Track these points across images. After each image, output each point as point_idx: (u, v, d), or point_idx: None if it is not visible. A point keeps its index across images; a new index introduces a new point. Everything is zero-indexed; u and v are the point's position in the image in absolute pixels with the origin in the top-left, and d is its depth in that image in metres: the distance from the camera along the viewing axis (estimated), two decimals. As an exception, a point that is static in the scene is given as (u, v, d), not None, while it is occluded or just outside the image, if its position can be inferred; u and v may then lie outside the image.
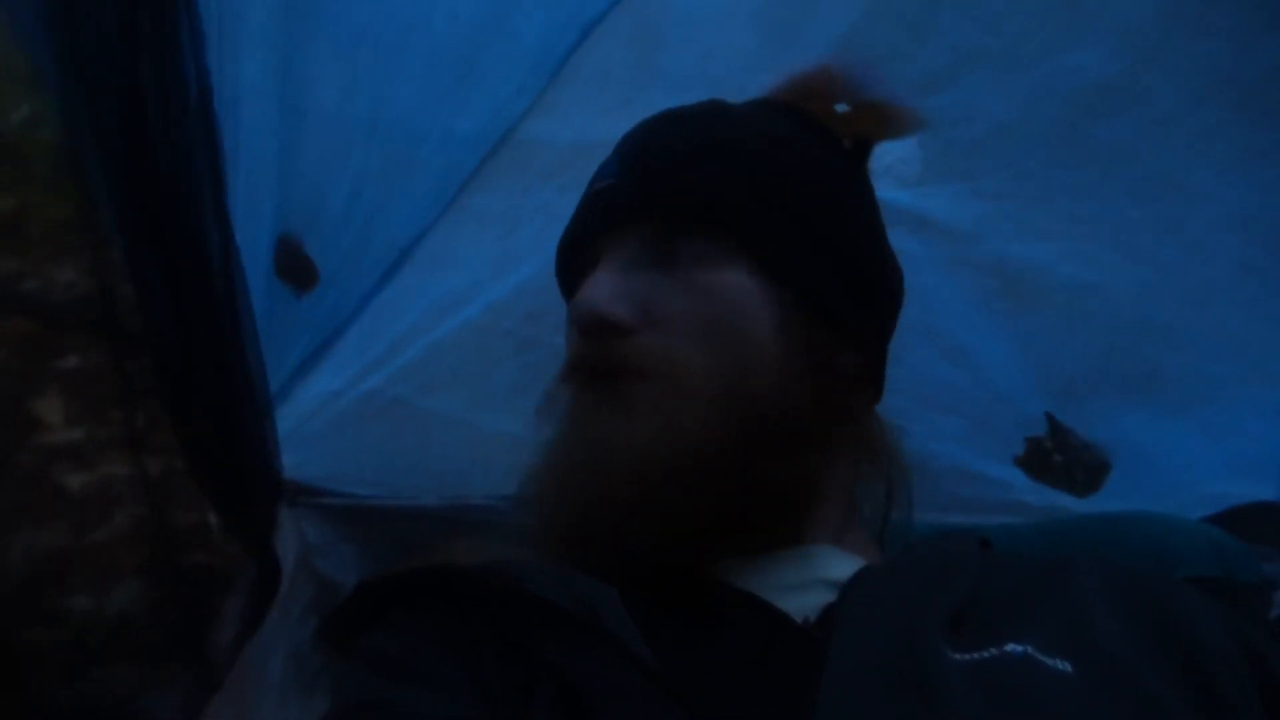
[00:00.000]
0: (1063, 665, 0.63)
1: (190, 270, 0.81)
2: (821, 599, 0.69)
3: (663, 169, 0.79)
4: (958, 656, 0.63)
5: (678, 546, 0.70)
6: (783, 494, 0.73)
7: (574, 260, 0.82)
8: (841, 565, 0.73)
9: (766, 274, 0.76)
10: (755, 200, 0.77)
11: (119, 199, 0.77)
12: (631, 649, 0.62)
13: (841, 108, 0.86)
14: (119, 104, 0.74)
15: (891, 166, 0.88)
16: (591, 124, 0.95)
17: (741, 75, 0.86)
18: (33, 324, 1.16)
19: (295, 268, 0.96)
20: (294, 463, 1.01)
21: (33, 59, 0.76)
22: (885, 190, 0.86)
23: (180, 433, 0.88)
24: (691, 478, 0.69)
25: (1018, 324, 1.04)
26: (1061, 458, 1.07)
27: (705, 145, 0.79)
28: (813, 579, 0.71)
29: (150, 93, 0.74)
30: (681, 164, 0.79)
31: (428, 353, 1.04)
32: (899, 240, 0.84)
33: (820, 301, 0.77)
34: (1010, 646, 0.64)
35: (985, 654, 0.63)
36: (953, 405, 1.06)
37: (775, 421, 0.72)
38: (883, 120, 0.88)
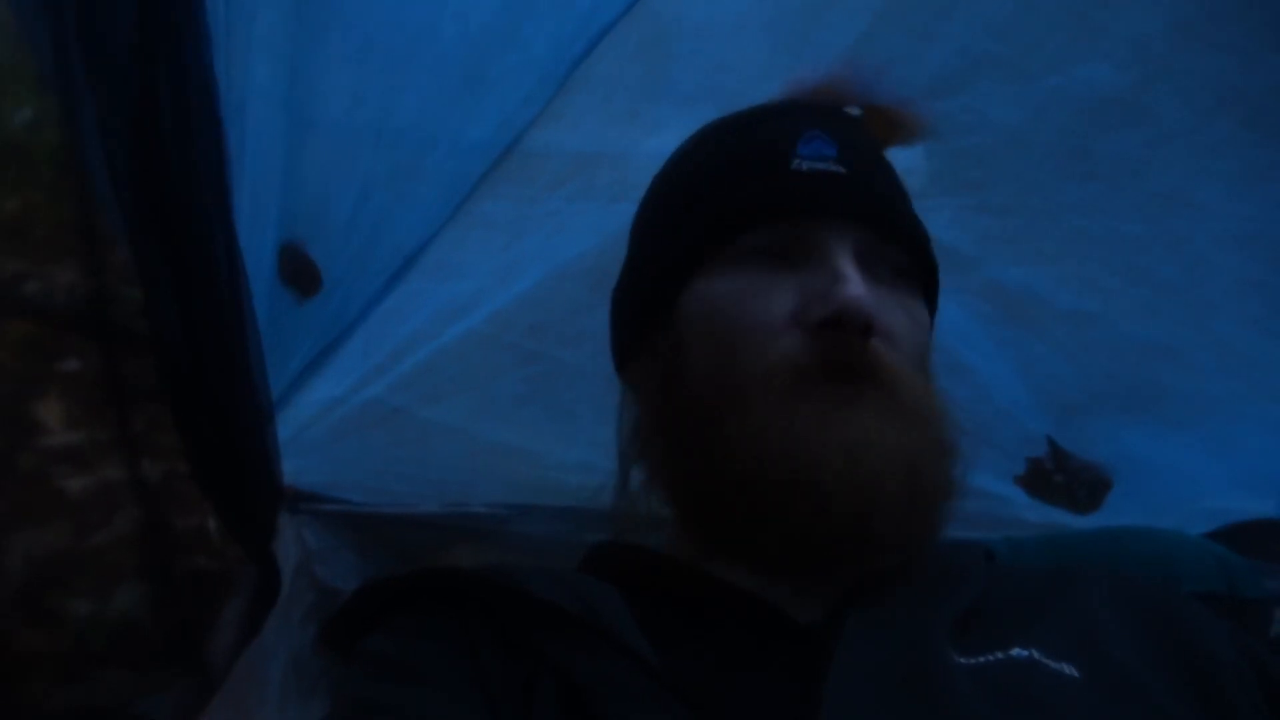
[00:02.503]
0: (1069, 670, 0.63)
1: (195, 274, 0.81)
2: (828, 603, 0.69)
3: (881, 176, 0.80)
4: (963, 660, 0.63)
5: (916, 548, 0.71)
6: None
7: (756, 233, 0.76)
8: (848, 571, 0.73)
9: (930, 311, 0.79)
10: (923, 236, 0.80)
11: (125, 202, 0.77)
12: (634, 648, 0.62)
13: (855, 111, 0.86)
14: (127, 107, 0.73)
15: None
16: (599, 134, 0.94)
17: (752, 86, 0.86)
18: (34, 326, 1.15)
19: (298, 273, 0.96)
20: (294, 469, 1.01)
21: (38, 60, 0.76)
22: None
23: (184, 437, 0.88)
24: (942, 490, 0.71)
25: (1018, 345, 1.05)
26: (1062, 478, 1.07)
27: (887, 165, 0.82)
28: (820, 584, 0.71)
29: (159, 96, 0.74)
30: (889, 177, 0.81)
31: (430, 361, 1.03)
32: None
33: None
34: (1016, 651, 0.64)
35: (991, 658, 0.64)
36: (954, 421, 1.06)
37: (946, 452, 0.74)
38: (891, 126, 0.89)
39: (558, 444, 1.06)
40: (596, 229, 0.97)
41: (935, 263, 0.81)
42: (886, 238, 0.76)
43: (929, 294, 0.81)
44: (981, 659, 0.63)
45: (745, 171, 0.78)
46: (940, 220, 0.99)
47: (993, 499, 1.07)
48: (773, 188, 0.76)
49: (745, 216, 0.76)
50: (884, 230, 0.76)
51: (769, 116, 0.82)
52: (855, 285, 0.70)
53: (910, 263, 0.77)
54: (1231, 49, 0.91)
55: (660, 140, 0.86)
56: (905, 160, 0.94)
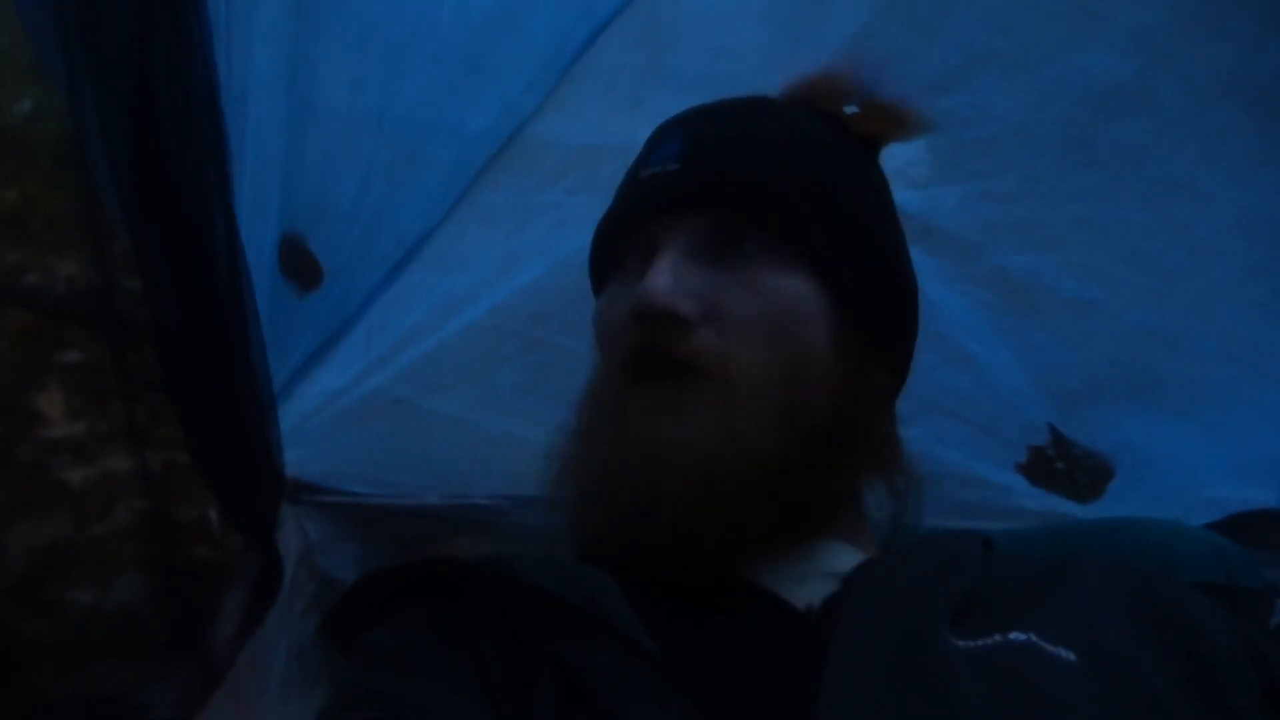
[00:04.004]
0: (1067, 654, 0.63)
1: (196, 265, 0.81)
2: (825, 590, 0.69)
3: (727, 161, 0.77)
4: (961, 644, 0.63)
5: (724, 550, 0.70)
6: (821, 504, 0.73)
7: (618, 245, 0.80)
8: (846, 558, 0.73)
9: (824, 282, 0.75)
10: (815, 206, 0.76)
11: (126, 194, 0.76)
12: (633, 637, 0.62)
13: (851, 109, 0.86)
14: (127, 98, 0.73)
15: (901, 169, 0.87)
16: (601, 124, 0.94)
17: (753, 75, 0.86)
18: (33, 317, 1.15)
19: (299, 265, 0.96)
20: (295, 460, 1.01)
21: (39, 52, 0.76)
22: (895, 193, 0.86)
23: (185, 428, 0.88)
24: (749, 486, 0.68)
25: (1021, 333, 1.04)
26: (1064, 465, 1.07)
27: (768, 143, 0.78)
28: (817, 571, 0.72)
29: (160, 86, 0.73)
30: (747, 159, 0.77)
31: (432, 352, 1.03)
32: (903, 250, 0.84)
33: (866, 314, 0.77)
34: (1014, 635, 0.64)
35: (989, 641, 0.64)
36: (956, 410, 1.05)
37: (825, 435, 0.71)
38: (893, 121, 0.88)
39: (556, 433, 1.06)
40: (598, 219, 0.96)
41: (818, 227, 0.76)
42: (729, 219, 0.75)
43: (827, 259, 0.76)
44: (980, 642, 0.63)
45: (620, 188, 0.83)
46: (943, 209, 0.99)
47: (994, 487, 1.07)
48: (624, 198, 0.81)
49: (608, 230, 0.81)
50: (722, 212, 0.75)
51: (654, 132, 0.84)
52: (651, 278, 0.71)
53: (767, 235, 0.75)
54: (1234, 36, 0.91)
55: (661, 131, 0.85)
56: (908, 152, 0.94)
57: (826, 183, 0.78)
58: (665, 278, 0.71)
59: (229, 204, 0.81)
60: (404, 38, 0.89)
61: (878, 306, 0.78)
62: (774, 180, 0.76)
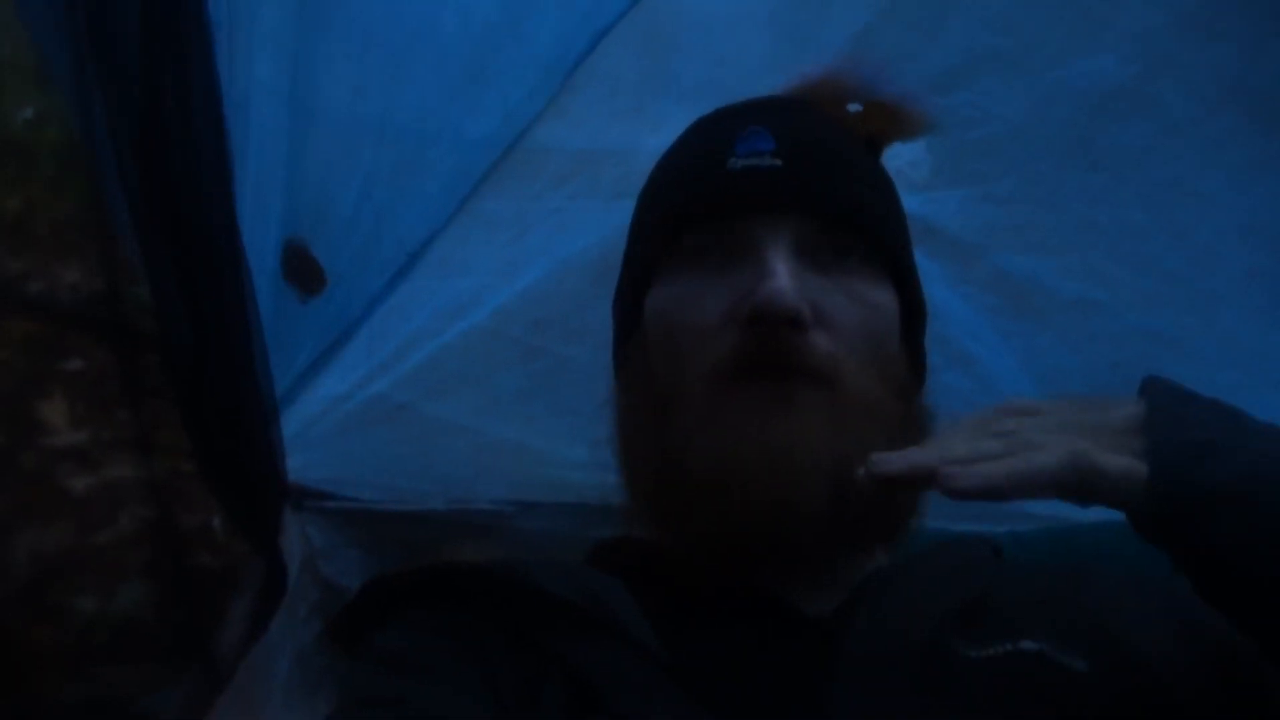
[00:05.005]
0: (1078, 664, 0.63)
1: (200, 272, 0.81)
2: (836, 597, 0.69)
3: (831, 166, 0.77)
4: (972, 653, 0.63)
5: (823, 553, 0.70)
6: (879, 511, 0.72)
7: (692, 236, 0.77)
8: (856, 565, 0.73)
9: (901, 295, 0.76)
10: (894, 219, 0.79)
11: (132, 198, 0.77)
12: (642, 641, 0.62)
13: (853, 108, 0.86)
14: (133, 105, 0.73)
15: (901, 170, 0.87)
16: (603, 130, 0.94)
17: (754, 81, 0.86)
18: (37, 324, 1.15)
19: (302, 270, 0.96)
20: (298, 465, 1.01)
21: (46, 59, 0.76)
22: (895, 194, 0.86)
23: (189, 434, 0.88)
24: (852, 489, 0.66)
25: (1023, 336, 1.04)
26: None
27: (855, 153, 0.80)
28: (827, 578, 0.72)
29: (165, 92, 0.73)
30: (847, 167, 0.78)
31: (434, 358, 1.03)
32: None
33: (916, 329, 0.79)
34: (1025, 643, 0.64)
35: (999, 650, 0.63)
36: (958, 413, 1.05)
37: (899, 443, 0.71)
38: (894, 121, 0.88)
39: (561, 440, 1.05)
40: (600, 225, 0.96)
41: (899, 242, 0.79)
42: (830, 225, 0.74)
43: (900, 274, 0.78)
44: (990, 651, 0.63)
45: (687, 175, 0.79)
46: (945, 212, 0.99)
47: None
48: (708, 188, 0.77)
49: (684, 220, 0.77)
50: (827, 218, 0.74)
51: (721, 117, 0.82)
52: (779, 278, 0.69)
53: (866, 246, 0.75)
54: (1236, 39, 0.91)
55: (663, 137, 0.85)
56: (909, 153, 0.94)
57: (892, 195, 0.81)
58: (787, 280, 0.69)
59: (232, 209, 0.81)
60: (405, 44, 0.90)
61: (920, 320, 0.81)
62: (869, 190, 0.78)
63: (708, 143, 0.79)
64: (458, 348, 1.03)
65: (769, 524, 0.67)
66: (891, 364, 0.74)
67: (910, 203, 0.86)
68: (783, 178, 0.75)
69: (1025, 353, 1.05)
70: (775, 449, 0.67)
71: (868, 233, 0.75)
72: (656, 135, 0.88)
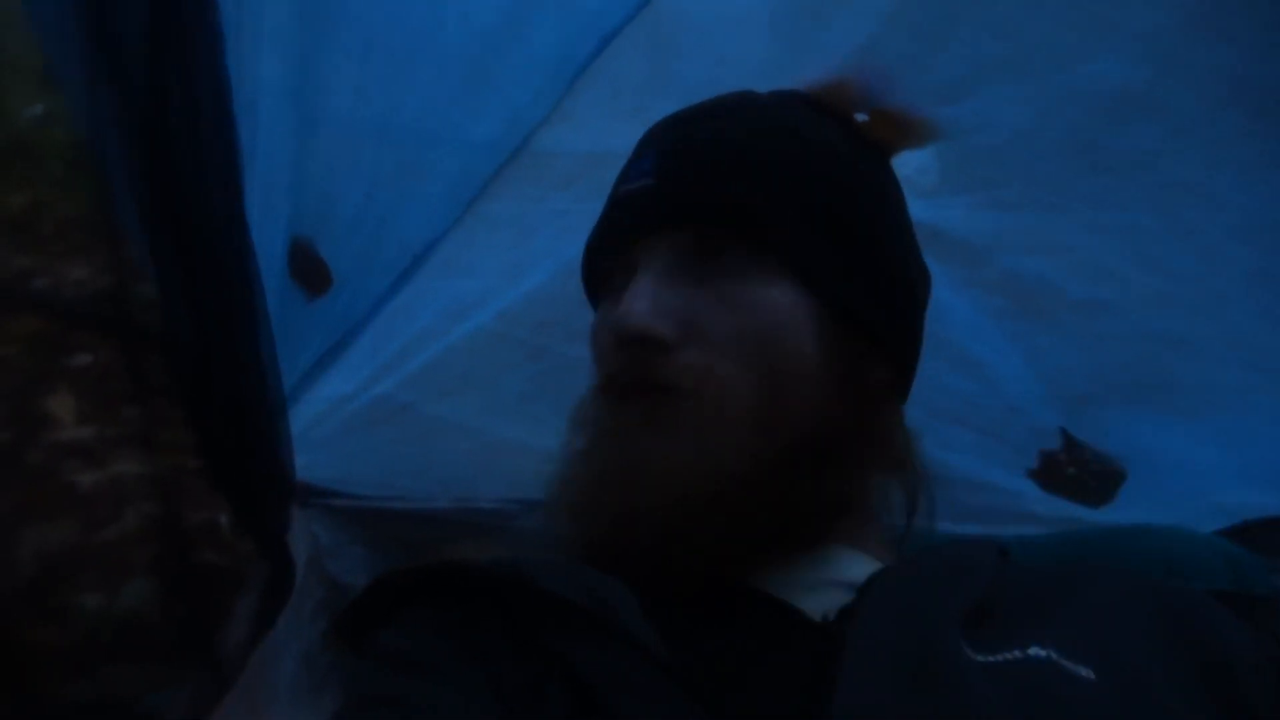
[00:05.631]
0: (1085, 672, 0.62)
1: (207, 271, 0.81)
2: (839, 599, 0.69)
3: (700, 173, 0.77)
4: (979, 658, 0.62)
5: (710, 564, 0.70)
6: (817, 511, 0.73)
7: (603, 264, 0.81)
8: (859, 567, 0.73)
9: (806, 288, 0.74)
10: (795, 210, 0.76)
11: (140, 197, 0.77)
12: (644, 642, 0.62)
13: (860, 117, 0.86)
14: (140, 104, 0.73)
15: (909, 178, 0.87)
16: (606, 132, 0.94)
17: (757, 84, 0.86)
18: (43, 322, 1.15)
19: (308, 270, 0.96)
20: (304, 464, 1.01)
21: (52, 58, 0.76)
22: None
23: (196, 432, 0.88)
24: (730, 502, 0.69)
25: (1029, 337, 1.04)
26: (1075, 470, 1.07)
27: (743, 148, 0.77)
28: (830, 579, 0.71)
29: (173, 91, 0.73)
30: (720, 169, 0.77)
31: (438, 358, 1.04)
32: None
33: (857, 314, 0.76)
34: (1034, 650, 0.63)
35: (1008, 656, 0.63)
36: (964, 416, 1.05)
37: (814, 443, 0.71)
38: (901, 129, 0.88)
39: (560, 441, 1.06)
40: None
41: (799, 236, 0.75)
42: (705, 233, 0.75)
43: (810, 269, 0.75)
44: (999, 657, 0.63)
45: (605, 204, 0.83)
46: (952, 217, 0.99)
47: (1003, 493, 1.06)
48: (604, 218, 0.82)
49: (593, 248, 0.83)
50: (700, 226, 0.75)
51: (641, 140, 0.84)
52: (630, 302, 0.72)
53: (747, 246, 0.74)
54: (1242, 41, 0.91)
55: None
56: (916, 160, 0.94)
57: (801, 184, 0.77)
58: (642, 302, 0.72)
59: (241, 208, 0.81)
60: (409, 48, 0.90)
61: (871, 306, 0.77)
62: (746, 190, 0.75)
63: (621, 171, 0.83)
64: (462, 349, 1.04)
65: (624, 531, 0.70)
66: (787, 359, 0.72)
67: (917, 208, 0.85)
68: (652, 196, 0.76)
69: (1032, 353, 1.05)
70: (629, 463, 0.71)
71: (746, 232, 0.75)
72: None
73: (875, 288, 0.77)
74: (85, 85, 0.74)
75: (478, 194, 1.00)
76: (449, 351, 1.04)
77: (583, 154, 0.98)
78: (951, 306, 0.98)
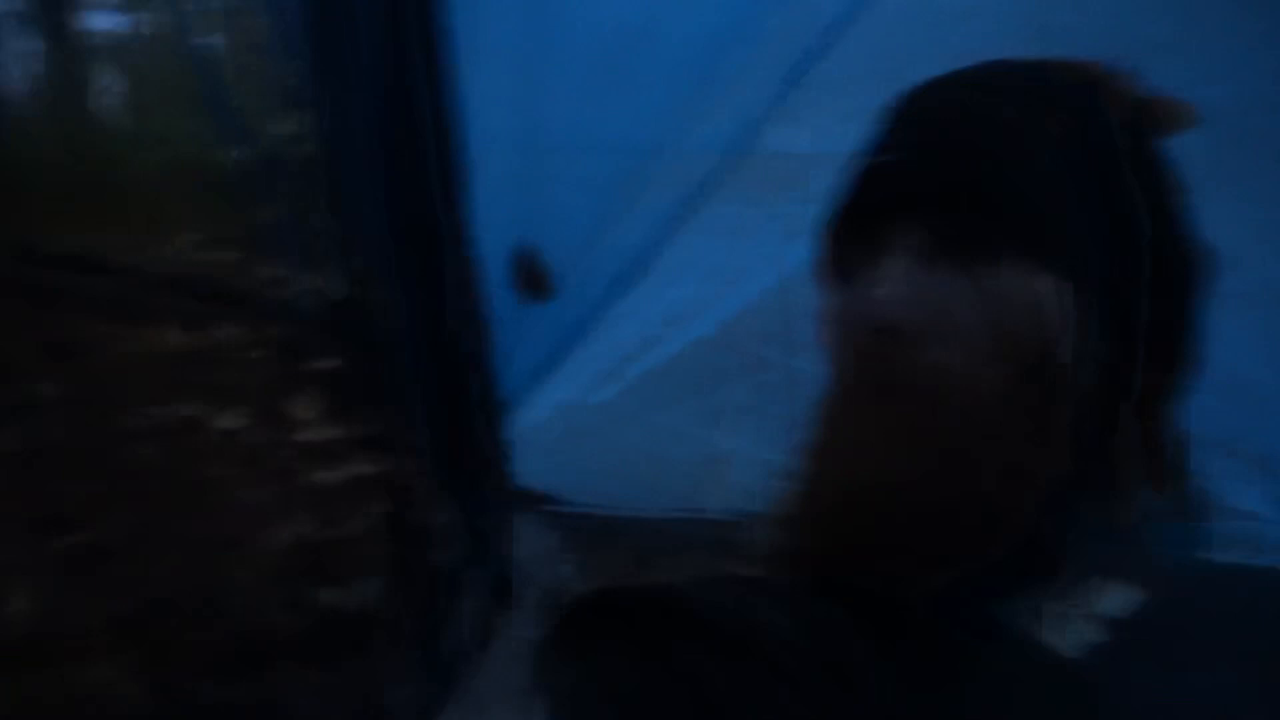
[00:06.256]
0: None
1: (434, 279, 0.83)
2: (1087, 633, 0.64)
3: (967, 157, 0.73)
4: None
5: (965, 595, 0.66)
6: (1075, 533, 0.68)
7: (845, 240, 0.76)
8: (1111, 598, 0.68)
9: (1070, 280, 0.70)
10: (1066, 201, 0.72)
11: (374, 209, 0.79)
12: (864, 689, 0.60)
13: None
14: (378, 116, 0.76)
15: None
16: (831, 132, 0.91)
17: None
18: (291, 328, 1.21)
19: (531, 277, 0.98)
20: (524, 471, 1.03)
21: (296, 76, 0.80)
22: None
23: (423, 435, 0.90)
24: (987, 527, 0.66)
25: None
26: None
27: (1005, 132, 0.74)
28: (1078, 611, 0.67)
29: (406, 104, 0.76)
30: (986, 155, 0.73)
31: (659, 367, 1.04)
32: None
33: (1125, 312, 0.72)
34: None
35: None
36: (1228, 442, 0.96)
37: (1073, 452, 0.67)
38: (1167, 114, 0.81)
39: (786, 453, 1.04)
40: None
41: (1051, 222, 0.72)
42: (968, 220, 0.71)
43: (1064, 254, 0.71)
44: None
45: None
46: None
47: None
48: (852, 186, 0.77)
49: (834, 224, 0.78)
50: (970, 210, 0.71)
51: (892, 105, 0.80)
52: (887, 286, 0.70)
53: (1016, 234, 0.70)
54: None
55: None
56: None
57: (1078, 171, 0.73)
58: (896, 286, 0.68)
59: (467, 218, 0.83)
60: (631, 54, 0.90)
61: (1139, 302, 0.73)
62: (1010, 180, 0.72)
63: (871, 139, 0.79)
64: (683, 358, 1.04)
65: (869, 555, 0.69)
66: (1044, 353, 0.69)
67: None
68: (913, 172, 0.74)
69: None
70: (878, 480, 0.70)
71: (1013, 219, 0.71)
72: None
73: (1142, 280, 0.73)
74: (328, 102, 0.77)
75: (698, 199, 0.99)
76: (669, 360, 1.04)
77: (807, 156, 0.95)
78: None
